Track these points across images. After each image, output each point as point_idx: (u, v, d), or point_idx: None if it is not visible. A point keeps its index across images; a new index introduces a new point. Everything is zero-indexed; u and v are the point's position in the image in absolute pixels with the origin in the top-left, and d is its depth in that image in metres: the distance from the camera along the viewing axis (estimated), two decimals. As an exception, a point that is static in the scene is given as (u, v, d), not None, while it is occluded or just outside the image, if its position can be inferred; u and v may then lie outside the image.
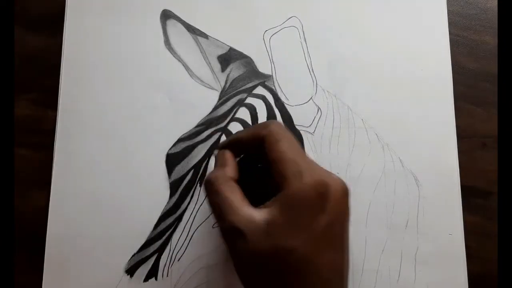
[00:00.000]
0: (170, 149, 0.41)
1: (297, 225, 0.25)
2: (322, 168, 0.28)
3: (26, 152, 0.41)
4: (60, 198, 0.40)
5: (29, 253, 0.39)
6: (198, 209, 0.39)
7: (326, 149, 0.41)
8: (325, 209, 0.25)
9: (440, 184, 0.40)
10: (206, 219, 0.39)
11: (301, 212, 0.26)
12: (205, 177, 0.31)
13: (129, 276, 0.39)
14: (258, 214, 0.26)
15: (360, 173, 0.40)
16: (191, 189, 0.40)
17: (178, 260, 0.39)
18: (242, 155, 0.33)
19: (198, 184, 0.40)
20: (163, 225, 0.39)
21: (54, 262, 0.39)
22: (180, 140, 0.41)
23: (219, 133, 0.41)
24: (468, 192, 0.40)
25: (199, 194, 0.40)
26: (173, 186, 0.40)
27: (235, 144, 0.32)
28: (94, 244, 0.39)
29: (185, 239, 0.39)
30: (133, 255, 0.39)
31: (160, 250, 0.39)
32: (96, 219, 0.40)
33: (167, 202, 0.40)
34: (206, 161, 0.40)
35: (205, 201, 0.40)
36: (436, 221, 0.39)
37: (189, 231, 0.39)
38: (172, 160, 0.41)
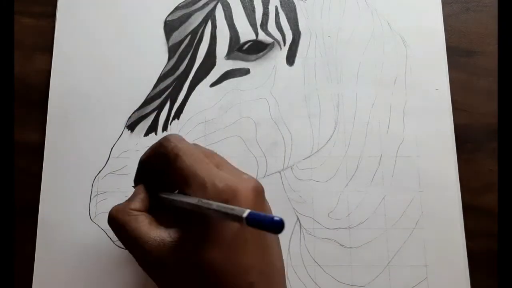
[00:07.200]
0: (168, 16, 0.42)
1: (206, 236, 0.25)
2: (233, 170, 0.27)
3: (28, 20, 0.42)
4: (62, 61, 0.41)
5: (31, 109, 0.41)
6: (196, 70, 0.41)
7: (318, 15, 0.42)
8: None
9: (426, 44, 0.42)
10: (204, 79, 0.41)
11: (209, 222, 0.25)
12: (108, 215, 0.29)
13: (130, 131, 0.40)
14: (169, 235, 0.26)
15: (351, 36, 0.42)
16: (188, 53, 0.41)
17: (177, 117, 0.40)
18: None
19: (195, 50, 0.42)
20: (162, 85, 0.41)
21: (56, 117, 0.40)
22: (177, 8, 0.43)
23: (215, 2, 0.42)
24: (453, 51, 0.42)
25: (197, 57, 0.41)
26: (172, 50, 0.42)
27: (143, 169, 0.30)
28: (95, 101, 0.41)
29: (183, 98, 0.41)
30: (133, 112, 0.40)
31: (160, 108, 0.40)
32: (97, 79, 0.41)
33: (166, 64, 0.41)
34: (202, 27, 0.42)
35: (203, 62, 0.41)
36: (423, 78, 0.41)
37: (187, 91, 0.41)
38: (170, 26, 0.42)
